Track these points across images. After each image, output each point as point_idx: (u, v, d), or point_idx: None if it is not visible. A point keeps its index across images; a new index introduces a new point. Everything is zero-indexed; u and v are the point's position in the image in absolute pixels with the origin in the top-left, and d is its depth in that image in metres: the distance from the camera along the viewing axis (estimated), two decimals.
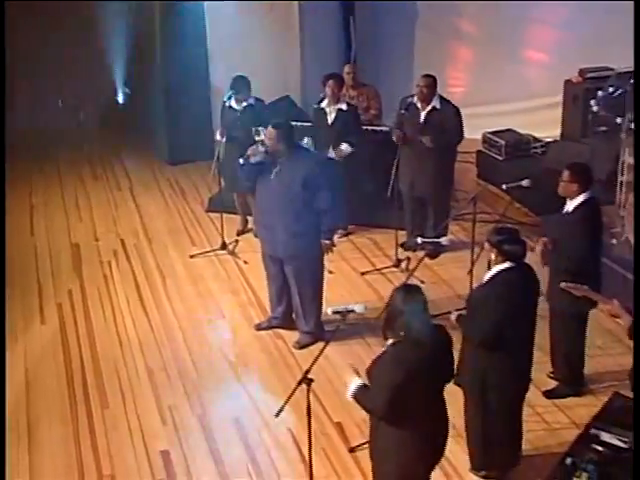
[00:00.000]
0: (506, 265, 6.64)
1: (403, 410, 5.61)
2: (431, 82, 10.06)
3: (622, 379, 7.91)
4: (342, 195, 9.54)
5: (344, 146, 10.56)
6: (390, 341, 5.70)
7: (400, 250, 10.40)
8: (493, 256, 6.71)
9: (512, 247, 6.61)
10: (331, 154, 10.54)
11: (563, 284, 6.90)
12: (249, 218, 11.28)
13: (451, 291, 9.63)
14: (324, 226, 8.54)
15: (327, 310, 6.42)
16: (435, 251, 10.28)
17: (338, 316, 6.11)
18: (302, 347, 8.80)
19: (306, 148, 9.00)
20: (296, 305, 8.90)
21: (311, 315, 8.78)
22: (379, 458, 5.94)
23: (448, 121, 10.08)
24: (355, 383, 5.79)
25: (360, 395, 5.76)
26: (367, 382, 5.77)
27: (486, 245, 6.83)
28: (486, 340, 6.62)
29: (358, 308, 6.12)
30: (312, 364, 6.08)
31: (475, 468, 7.15)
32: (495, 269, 6.71)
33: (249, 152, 8.49)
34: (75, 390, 8.37)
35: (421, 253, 10.32)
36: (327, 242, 8.61)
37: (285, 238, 8.51)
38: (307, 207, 8.38)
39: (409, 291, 5.78)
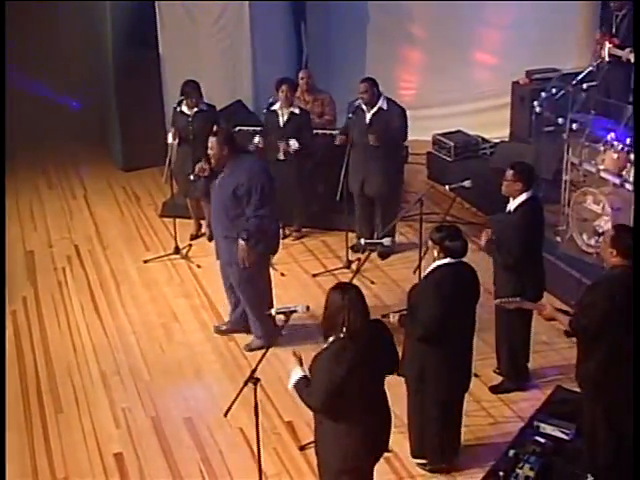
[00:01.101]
0: (445, 261, 6.86)
1: (344, 405, 5.80)
2: (369, 86, 10.22)
3: (566, 373, 8.22)
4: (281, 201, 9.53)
5: (292, 141, 10.77)
6: (331, 339, 5.89)
7: (351, 252, 10.60)
8: (435, 253, 6.92)
9: (453, 243, 6.82)
10: (280, 156, 10.76)
11: (497, 301, 7.19)
12: (202, 222, 11.50)
13: (400, 290, 9.82)
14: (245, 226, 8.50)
15: (271, 311, 6.66)
16: (385, 252, 10.56)
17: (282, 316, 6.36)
18: (251, 350, 8.95)
19: (250, 154, 9.01)
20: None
21: (258, 319, 8.87)
22: (323, 452, 6.14)
23: (393, 121, 10.29)
24: (297, 374, 5.98)
25: (300, 388, 5.94)
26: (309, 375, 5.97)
27: (429, 243, 7.06)
28: (427, 335, 6.83)
29: (300, 308, 6.34)
30: (257, 364, 6.31)
31: (414, 455, 7.38)
32: (434, 264, 6.93)
33: (197, 170, 8.74)
34: (29, 395, 8.51)
35: (371, 255, 10.66)
36: (242, 242, 8.49)
37: (223, 243, 8.75)
38: (242, 214, 8.48)
39: (345, 289, 5.95)
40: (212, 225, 9.04)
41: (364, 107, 10.30)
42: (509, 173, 7.91)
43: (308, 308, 6.42)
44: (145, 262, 10.97)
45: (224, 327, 9.39)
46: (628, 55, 11.41)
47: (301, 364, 6.04)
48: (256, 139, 10.79)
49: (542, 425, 7.57)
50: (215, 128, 9.97)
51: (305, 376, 5.93)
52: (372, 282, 10.06)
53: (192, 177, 8.92)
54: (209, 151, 8.54)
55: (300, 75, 12.04)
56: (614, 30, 12.10)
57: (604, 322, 6.45)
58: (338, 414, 5.86)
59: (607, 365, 6.57)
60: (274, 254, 9.08)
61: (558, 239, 10.11)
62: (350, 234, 10.55)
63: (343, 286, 6.04)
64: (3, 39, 13.58)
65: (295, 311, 6.30)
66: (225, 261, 8.86)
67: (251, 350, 8.94)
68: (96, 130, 14.58)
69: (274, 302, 8.96)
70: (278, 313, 6.40)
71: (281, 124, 10.85)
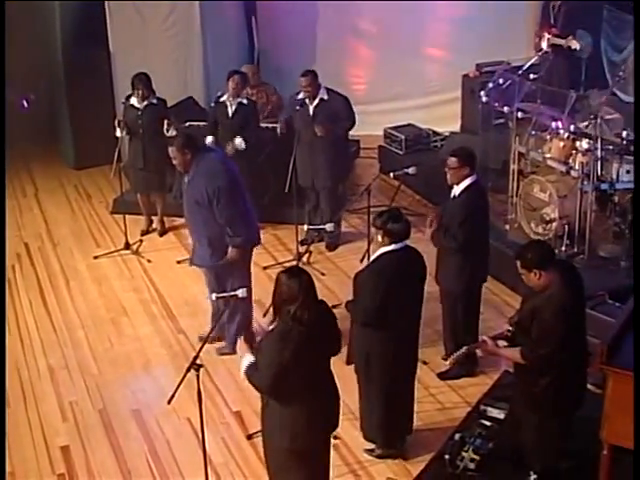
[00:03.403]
0: (390, 247, 6.84)
1: (290, 386, 5.79)
2: (311, 79, 10.24)
3: None
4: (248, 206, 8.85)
5: (238, 141, 10.69)
6: (276, 321, 5.86)
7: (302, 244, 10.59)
8: (379, 238, 6.89)
9: (395, 226, 6.80)
10: (230, 151, 10.70)
11: (447, 361, 7.18)
12: (153, 218, 11.45)
13: (350, 281, 9.76)
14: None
15: (212, 296, 6.63)
16: (331, 242, 10.66)
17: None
18: (221, 354, 8.73)
19: (214, 155, 8.54)
20: None
21: (230, 327, 8.63)
22: (270, 435, 6.11)
23: (338, 110, 10.32)
24: (247, 360, 5.94)
25: (250, 373, 5.91)
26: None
27: (372, 229, 7.05)
28: (369, 319, 6.83)
29: (240, 292, 6.32)
30: (199, 350, 6.32)
31: (365, 437, 7.37)
32: (379, 251, 6.91)
33: None
34: None
35: (321, 246, 10.69)
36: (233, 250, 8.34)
37: (195, 246, 8.63)
38: (209, 218, 8.23)
39: (293, 272, 5.95)
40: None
41: (307, 100, 10.32)
42: (452, 161, 7.91)
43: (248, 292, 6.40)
44: (95, 258, 10.91)
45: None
46: (569, 42, 11.52)
47: (251, 350, 5.98)
48: (208, 139, 10.73)
49: (489, 409, 7.59)
50: (170, 130, 10.20)
51: (255, 362, 5.89)
52: (322, 274, 10.04)
53: None
54: (173, 161, 8.32)
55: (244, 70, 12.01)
56: (552, 20, 12.27)
57: (560, 345, 6.35)
58: (285, 395, 5.84)
59: (552, 388, 6.50)
60: (254, 247, 8.83)
61: (507, 227, 10.16)
62: (300, 227, 10.48)
63: (291, 271, 6.01)
64: (3, 39, 13.47)
65: (236, 295, 6.28)
66: (197, 263, 8.72)
67: (222, 354, 8.71)
68: (47, 129, 14.46)
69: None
70: (219, 297, 6.40)
71: (230, 115, 10.83)
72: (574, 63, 11.76)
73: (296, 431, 5.93)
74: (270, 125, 11.47)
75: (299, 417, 5.91)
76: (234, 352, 8.57)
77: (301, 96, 10.33)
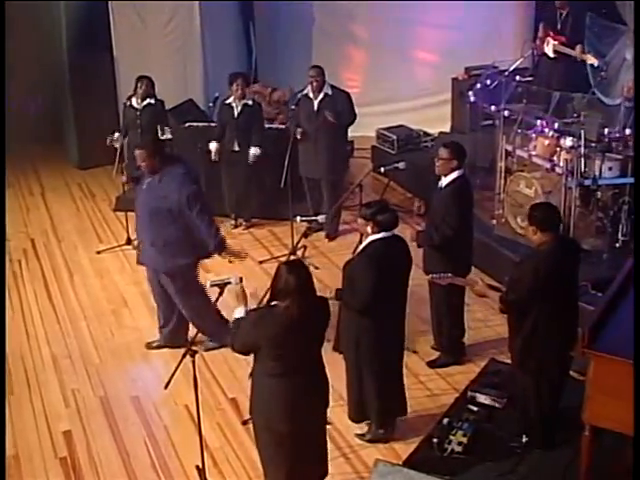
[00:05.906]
0: (380, 235, 6.79)
1: (265, 367, 5.82)
2: (320, 72, 10.42)
3: (499, 347, 8.19)
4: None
5: (252, 150, 10.75)
6: (273, 303, 5.84)
7: (296, 239, 10.49)
8: (369, 229, 6.83)
9: (384, 216, 6.76)
10: (235, 147, 10.84)
11: (429, 276, 7.13)
12: None
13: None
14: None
15: (206, 283, 6.59)
16: (330, 232, 10.87)
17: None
18: (207, 350, 8.53)
19: (181, 164, 8.20)
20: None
21: (204, 325, 8.25)
22: (253, 414, 6.10)
23: (340, 105, 10.46)
24: (239, 313, 5.99)
25: (233, 325, 5.97)
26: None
27: (360, 221, 6.97)
28: (365, 305, 6.73)
29: (233, 279, 6.25)
30: (194, 337, 6.28)
31: (352, 419, 7.30)
32: (369, 238, 6.85)
33: None
34: None
35: (316, 241, 10.64)
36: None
37: (150, 251, 8.25)
38: (171, 223, 8.00)
39: (293, 267, 5.88)
40: (137, 230, 8.56)
41: (311, 95, 10.45)
42: (443, 151, 7.86)
43: (241, 279, 6.31)
44: (98, 253, 10.87)
45: (155, 343, 8.82)
46: (584, 57, 11.41)
47: (246, 304, 6.05)
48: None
49: (476, 395, 7.54)
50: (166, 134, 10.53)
51: (241, 318, 5.95)
52: (316, 267, 9.96)
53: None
54: (139, 162, 8.05)
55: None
56: (559, 27, 12.12)
57: (530, 297, 6.43)
58: (267, 370, 5.85)
59: (532, 340, 6.57)
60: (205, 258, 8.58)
61: (494, 222, 10.11)
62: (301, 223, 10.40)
63: (291, 263, 6.01)
64: (3, 39, 13.41)
65: (229, 282, 6.23)
66: (151, 268, 8.48)
67: (207, 350, 8.52)
68: (53, 130, 14.40)
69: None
70: (212, 285, 6.35)
71: (235, 115, 10.81)
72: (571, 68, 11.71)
73: (273, 412, 5.90)
74: (266, 126, 11.42)
75: (277, 399, 5.88)
76: (218, 346, 8.55)
77: (306, 91, 10.48)
